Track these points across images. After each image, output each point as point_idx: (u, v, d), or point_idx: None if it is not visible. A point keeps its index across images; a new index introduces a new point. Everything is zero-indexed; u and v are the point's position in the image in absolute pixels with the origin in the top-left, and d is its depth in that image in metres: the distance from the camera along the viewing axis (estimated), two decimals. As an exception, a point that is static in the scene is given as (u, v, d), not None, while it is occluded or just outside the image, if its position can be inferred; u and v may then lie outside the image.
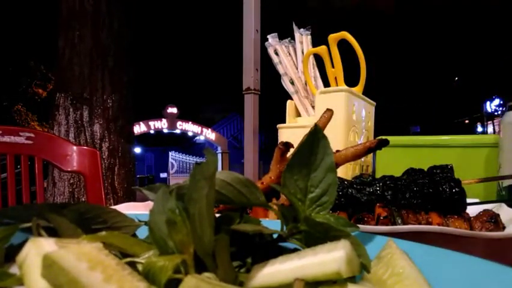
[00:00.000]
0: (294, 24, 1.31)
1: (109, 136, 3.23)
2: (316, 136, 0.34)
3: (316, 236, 0.29)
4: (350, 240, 0.26)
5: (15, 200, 1.23)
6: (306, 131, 0.34)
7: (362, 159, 1.14)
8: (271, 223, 0.35)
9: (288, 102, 1.26)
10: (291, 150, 0.68)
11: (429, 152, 1.17)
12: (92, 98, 3.19)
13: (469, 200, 0.62)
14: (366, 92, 1.17)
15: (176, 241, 0.25)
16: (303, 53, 1.28)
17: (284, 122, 1.23)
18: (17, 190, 1.25)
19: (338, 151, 0.64)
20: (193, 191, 0.25)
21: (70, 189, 3.10)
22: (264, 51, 1.40)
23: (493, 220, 0.57)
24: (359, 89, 1.14)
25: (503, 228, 0.57)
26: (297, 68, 1.29)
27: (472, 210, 0.63)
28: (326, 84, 1.21)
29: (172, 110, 16.25)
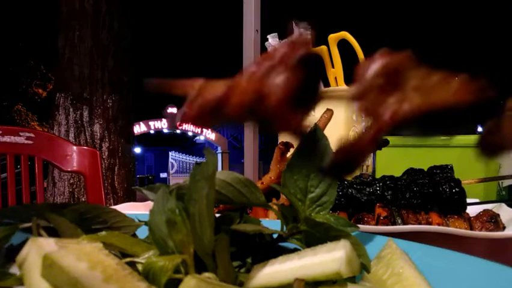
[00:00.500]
0: (294, 24, 1.31)
1: (109, 136, 3.22)
2: (316, 136, 0.34)
3: (316, 236, 0.29)
4: (350, 240, 0.26)
5: (15, 200, 1.23)
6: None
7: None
8: (271, 223, 0.35)
9: (288, 102, 1.25)
10: (291, 150, 0.68)
11: (429, 152, 1.17)
12: (92, 98, 3.19)
13: (469, 200, 0.62)
14: (366, 92, 1.17)
15: (176, 241, 0.25)
16: (303, 53, 1.28)
17: (284, 122, 1.23)
18: (17, 190, 1.25)
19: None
20: (193, 191, 0.25)
21: (70, 189, 3.10)
22: (264, 51, 1.40)
23: (493, 220, 0.57)
24: (359, 89, 1.14)
25: (503, 228, 0.57)
26: (297, 68, 1.28)
27: (472, 210, 0.63)
28: (326, 84, 1.21)
29: (172, 110, 16.25)
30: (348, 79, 1.13)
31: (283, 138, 1.17)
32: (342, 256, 0.23)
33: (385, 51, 0.22)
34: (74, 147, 1.35)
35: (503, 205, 0.65)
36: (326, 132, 0.38)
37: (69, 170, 1.34)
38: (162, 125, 16.12)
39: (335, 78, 1.15)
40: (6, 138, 1.23)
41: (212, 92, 0.20)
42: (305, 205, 0.33)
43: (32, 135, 1.28)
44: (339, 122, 1.02)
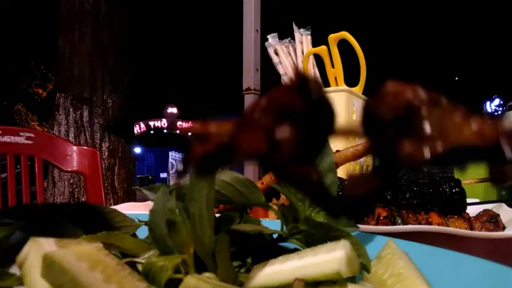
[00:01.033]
0: (294, 24, 1.31)
1: (109, 136, 3.23)
2: (316, 136, 0.33)
3: (316, 236, 0.29)
4: (350, 240, 0.26)
5: (15, 200, 1.23)
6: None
7: (362, 159, 1.14)
8: (271, 223, 0.35)
9: (288, 102, 1.25)
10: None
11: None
12: (92, 98, 3.19)
13: (469, 200, 0.62)
14: (366, 92, 1.17)
15: (176, 241, 0.25)
16: (303, 53, 1.28)
17: (284, 122, 1.23)
18: (17, 190, 1.25)
19: (338, 151, 0.64)
20: (193, 191, 0.25)
21: (70, 189, 3.10)
22: (264, 51, 1.40)
23: (493, 220, 0.57)
24: (359, 89, 1.14)
25: (503, 228, 0.57)
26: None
27: (472, 210, 0.63)
28: (326, 84, 1.21)
29: (172, 110, 16.26)
30: (348, 79, 1.13)
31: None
32: (342, 256, 0.23)
33: (393, 86, 0.20)
34: (74, 147, 1.36)
35: (503, 205, 0.65)
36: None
37: (69, 170, 1.34)
38: (162, 125, 16.13)
39: (335, 78, 1.15)
40: (6, 138, 1.23)
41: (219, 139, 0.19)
42: (305, 205, 0.33)
43: (32, 135, 1.28)
44: (339, 122, 1.01)
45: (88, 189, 1.35)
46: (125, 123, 3.33)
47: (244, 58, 1.86)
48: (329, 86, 1.16)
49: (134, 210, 0.71)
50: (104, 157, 3.18)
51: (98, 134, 3.18)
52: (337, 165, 0.64)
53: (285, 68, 1.28)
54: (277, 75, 1.29)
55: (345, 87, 1.07)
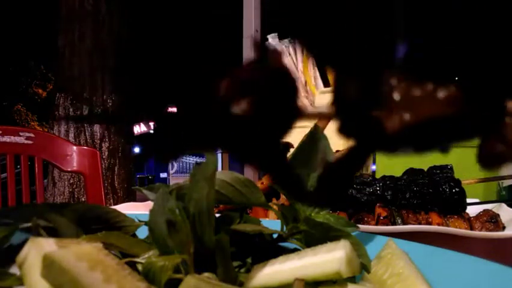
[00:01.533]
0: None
1: (109, 136, 3.23)
2: (316, 136, 0.34)
3: (316, 236, 0.29)
4: (350, 240, 0.26)
5: (15, 200, 1.23)
6: (306, 131, 0.34)
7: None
8: (271, 223, 0.35)
9: (288, 102, 1.26)
10: (291, 150, 0.68)
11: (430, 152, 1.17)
12: (92, 98, 3.19)
13: (469, 200, 0.62)
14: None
15: (176, 241, 0.25)
16: (303, 53, 1.28)
17: (284, 122, 1.23)
18: (17, 190, 1.25)
19: (337, 151, 0.64)
20: (193, 191, 0.25)
21: (70, 189, 3.10)
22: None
23: (493, 220, 0.57)
24: (359, 89, 1.14)
25: (503, 228, 0.57)
26: (297, 68, 1.29)
27: (472, 210, 0.63)
28: (326, 84, 1.21)
29: (172, 110, 16.21)
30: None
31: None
32: (342, 256, 0.23)
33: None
34: (74, 147, 1.35)
35: (503, 205, 0.65)
36: (326, 132, 0.38)
37: (69, 170, 1.34)
38: (162, 125, 16.11)
39: (335, 78, 1.15)
40: (6, 138, 1.23)
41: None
42: (305, 205, 0.33)
43: (32, 135, 1.28)
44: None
45: (88, 189, 1.35)
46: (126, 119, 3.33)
47: (244, 58, 1.86)
48: (329, 86, 1.16)
49: (134, 210, 0.71)
50: (104, 157, 3.18)
51: (98, 134, 3.18)
52: (337, 165, 0.64)
53: (285, 68, 1.27)
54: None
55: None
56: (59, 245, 0.23)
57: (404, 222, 0.57)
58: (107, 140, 3.22)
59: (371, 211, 0.62)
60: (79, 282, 0.20)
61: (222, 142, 0.19)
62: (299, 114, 0.20)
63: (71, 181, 3.10)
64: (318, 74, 1.28)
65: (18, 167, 1.29)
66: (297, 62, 1.29)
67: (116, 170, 3.25)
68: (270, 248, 0.31)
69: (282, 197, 0.63)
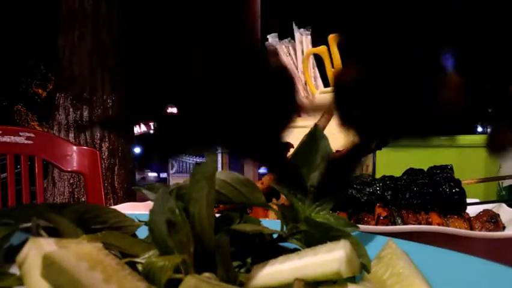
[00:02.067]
0: (294, 24, 1.31)
1: (109, 136, 3.23)
2: (316, 136, 0.34)
3: (316, 236, 0.29)
4: (350, 240, 0.26)
5: (15, 200, 1.23)
6: (306, 131, 0.34)
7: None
8: (271, 223, 0.35)
9: (288, 102, 1.25)
10: (291, 150, 0.68)
11: (429, 152, 1.17)
12: (92, 98, 3.19)
13: (469, 200, 0.62)
14: (366, 92, 1.17)
15: (176, 241, 0.25)
16: (303, 53, 1.28)
17: (284, 122, 1.23)
18: (17, 190, 1.25)
19: (337, 151, 0.64)
20: (193, 191, 0.25)
21: (70, 189, 3.10)
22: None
23: (493, 220, 0.57)
24: (359, 89, 1.14)
25: (503, 228, 0.57)
26: (297, 68, 1.29)
27: (472, 210, 0.63)
28: (326, 84, 1.21)
29: (172, 110, 16.24)
30: (348, 79, 1.13)
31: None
32: (342, 256, 0.23)
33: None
34: (74, 147, 1.36)
35: (503, 205, 0.65)
36: (326, 132, 0.38)
37: (69, 170, 1.34)
38: (162, 125, 16.13)
39: (335, 78, 1.15)
40: (6, 138, 1.23)
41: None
42: (305, 205, 0.33)
43: (32, 135, 1.28)
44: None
45: (88, 189, 1.35)
46: (125, 121, 3.32)
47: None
48: (329, 86, 1.16)
49: (134, 210, 0.71)
50: (104, 157, 3.18)
51: (98, 134, 3.18)
52: (337, 165, 0.64)
53: (285, 68, 1.27)
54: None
55: (345, 87, 1.07)
56: (59, 245, 0.23)
57: (404, 222, 0.57)
58: (107, 140, 3.22)
59: (371, 211, 0.62)
60: (79, 282, 0.20)
61: (222, 139, 0.19)
62: (298, 110, 0.21)
63: (71, 181, 3.10)
64: (318, 74, 1.28)
65: (18, 167, 1.29)
66: (297, 62, 1.29)
67: (116, 170, 3.25)
68: (270, 248, 0.31)
69: (282, 197, 0.63)
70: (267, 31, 1.34)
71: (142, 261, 0.25)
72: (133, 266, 0.25)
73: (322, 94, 1.07)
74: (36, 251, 0.22)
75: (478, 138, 1.14)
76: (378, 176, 0.70)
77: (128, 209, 0.71)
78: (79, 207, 0.30)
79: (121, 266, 0.22)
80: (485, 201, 0.70)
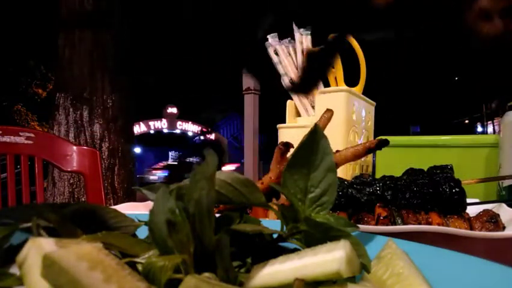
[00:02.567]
0: (294, 24, 1.31)
1: (109, 136, 3.23)
2: (316, 136, 0.34)
3: (316, 236, 0.29)
4: (350, 240, 0.26)
5: (15, 200, 1.23)
6: (306, 131, 0.34)
7: (362, 159, 1.14)
8: (271, 223, 0.35)
9: (288, 102, 1.26)
10: (291, 150, 0.68)
11: (429, 152, 1.17)
12: (92, 98, 3.19)
13: (469, 200, 0.62)
14: (366, 92, 1.17)
15: (176, 241, 0.25)
16: (303, 53, 1.28)
17: (284, 122, 1.23)
18: (17, 190, 1.25)
19: (337, 151, 0.64)
20: (193, 191, 0.25)
21: (70, 189, 3.10)
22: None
23: (493, 220, 0.57)
24: (359, 89, 1.14)
25: (503, 228, 0.57)
26: (297, 68, 1.29)
27: (472, 210, 0.63)
28: (326, 84, 1.21)
29: (172, 110, 16.27)
30: (348, 79, 1.13)
31: (283, 138, 1.17)
32: (342, 256, 0.23)
33: None
34: (74, 147, 1.36)
35: (503, 205, 0.65)
36: (326, 132, 0.38)
37: (69, 170, 1.34)
38: (162, 125, 16.14)
39: (335, 78, 1.15)
40: (6, 138, 1.23)
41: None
42: (305, 205, 0.33)
43: (32, 135, 1.28)
44: (339, 122, 1.02)
45: (88, 189, 1.35)
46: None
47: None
48: (328, 86, 1.16)
49: (134, 210, 0.71)
50: (104, 157, 3.19)
51: (98, 134, 3.18)
52: (337, 165, 0.64)
53: (285, 68, 1.27)
54: (277, 75, 1.29)
55: (345, 87, 1.07)
56: (59, 245, 0.23)
57: (404, 222, 0.57)
58: (107, 140, 3.22)
59: (371, 211, 0.62)
60: (79, 282, 0.20)
61: None
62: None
63: (71, 181, 3.10)
64: (318, 74, 1.28)
65: (18, 167, 1.29)
66: (297, 62, 1.29)
67: (116, 170, 3.25)
68: (270, 248, 0.31)
69: (282, 197, 0.63)
70: (267, 31, 1.34)
71: (142, 261, 0.25)
72: (133, 266, 0.25)
73: (322, 94, 1.07)
74: (36, 251, 0.22)
75: (478, 138, 1.14)
76: (378, 176, 0.70)
77: (128, 209, 0.71)
78: (79, 207, 0.30)
79: (121, 266, 0.22)
80: (485, 201, 0.70)
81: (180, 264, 0.24)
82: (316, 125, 0.34)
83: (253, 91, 1.81)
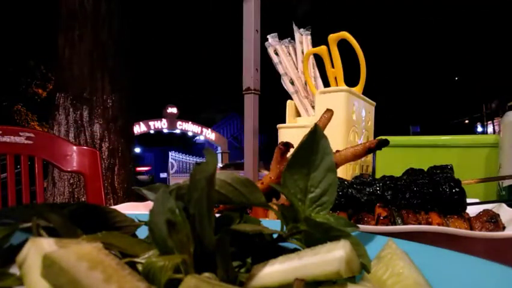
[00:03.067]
0: (294, 24, 1.31)
1: (109, 136, 3.23)
2: (316, 136, 0.33)
3: (316, 236, 0.29)
4: (350, 240, 0.26)
5: (15, 200, 1.23)
6: (306, 131, 0.34)
7: (362, 159, 1.14)
8: (271, 223, 0.35)
9: (288, 102, 1.26)
10: (291, 150, 0.68)
11: (429, 152, 1.17)
12: (92, 98, 3.19)
13: (469, 200, 0.62)
14: (366, 92, 1.17)
15: (176, 241, 0.25)
16: (303, 53, 1.28)
17: (284, 122, 1.23)
18: (17, 190, 1.25)
19: (337, 151, 0.64)
20: (193, 191, 0.25)
21: (70, 189, 3.10)
22: (264, 51, 1.40)
23: (493, 220, 0.57)
24: (359, 89, 1.14)
25: (503, 228, 0.57)
26: (297, 68, 1.29)
27: (472, 210, 0.63)
28: (326, 84, 1.21)
29: (172, 110, 16.27)
30: (348, 79, 1.13)
31: (283, 138, 1.17)
32: (342, 256, 0.23)
33: None
34: (74, 147, 1.36)
35: (503, 205, 0.65)
36: (326, 132, 0.38)
37: (69, 170, 1.34)
38: (162, 125, 16.14)
39: (335, 78, 1.15)
40: (6, 138, 1.23)
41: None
42: (305, 205, 0.33)
43: (32, 135, 1.28)
44: (339, 122, 1.02)
45: (88, 189, 1.35)
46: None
47: (244, 58, 1.86)
48: (329, 86, 1.16)
49: (134, 210, 0.71)
50: (104, 157, 3.19)
51: (98, 134, 3.18)
52: (337, 165, 0.64)
53: (285, 68, 1.27)
54: (277, 75, 1.29)
55: (345, 87, 1.07)
56: (59, 245, 0.23)
57: (404, 222, 0.57)
58: (107, 140, 3.22)
59: (371, 211, 0.62)
60: (79, 282, 0.20)
61: None
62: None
63: (71, 181, 3.10)
64: (318, 74, 1.28)
65: (18, 167, 1.29)
66: (297, 62, 1.29)
67: (116, 170, 3.25)
68: (270, 248, 0.31)
69: (282, 197, 0.63)
70: (267, 31, 1.34)
71: (142, 261, 0.25)
72: (133, 266, 0.25)
73: (322, 94, 1.07)
74: (36, 251, 0.22)
75: (478, 138, 1.14)
76: (378, 176, 0.70)
77: (128, 209, 0.72)
78: (79, 207, 0.30)
79: (121, 266, 0.22)
80: (485, 201, 0.70)
81: (180, 264, 0.24)
82: (316, 125, 0.34)
83: (253, 91, 1.81)
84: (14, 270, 0.26)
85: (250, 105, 1.81)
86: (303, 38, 1.30)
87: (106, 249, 0.23)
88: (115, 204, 0.91)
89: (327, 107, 0.71)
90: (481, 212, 0.59)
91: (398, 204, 0.61)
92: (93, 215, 0.30)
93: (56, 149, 1.32)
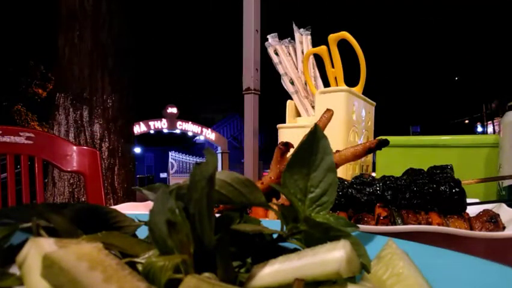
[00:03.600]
0: (294, 24, 1.31)
1: (109, 136, 3.23)
2: (316, 136, 0.34)
3: (316, 236, 0.29)
4: (350, 240, 0.26)
5: (15, 200, 1.23)
6: (306, 131, 0.34)
7: (362, 159, 1.14)
8: (271, 223, 0.35)
9: (288, 102, 1.26)
10: (291, 150, 0.68)
11: (429, 152, 1.17)
12: (92, 98, 3.19)
13: (469, 200, 0.62)
14: (366, 92, 1.17)
15: (176, 241, 0.25)
16: (303, 53, 1.28)
17: (284, 122, 1.23)
18: (17, 190, 1.25)
19: (338, 151, 0.64)
20: (193, 191, 0.25)
21: (70, 189, 3.10)
22: (264, 51, 1.40)
23: (493, 220, 0.57)
24: (359, 89, 1.14)
25: (503, 228, 0.57)
26: (297, 68, 1.29)
27: (472, 210, 0.63)
28: (326, 84, 1.21)
29: (172, 110, 16.26)
30: (348, 79, 1.13)
31: (283, 138, 1.17)
32: (342, 256, 0.23)
33: None
34: (74, 147, 1.36)
35: (503, 205, 0.65)
36: (326, 132, 0.38)
37: (69, 170, 1.34)
38: (162, 125, 16.13)
39: (335, 78, 1.15)
40: (6, 138, 1.23)
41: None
42: (305, 205, 0.33)
43: (32, 135, 1.28)
44: (339, 122, 1.02)
45: (88, 189, 1.35)
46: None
47: (244, 58, 1.86)
48: (329, 86, 1.16)
49: (134, 210, 0.71)
50: (104, 157, 3.19)
51: (98, 134, 3.18)
52: (337, 165, 0.64)
53: (285, 68, 1.27)
54: (277, 75, 1.29)
55: (345, 87, 1.07)
56: (59, 245, 0.23)
57: (404, 222, 0.57)
58: (107, 140, 3.22)
59: (371, 211, 0.62)
60: (79, 282, 0.20)
61: None
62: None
63: (71, 181, 3.10)
64: (318, 74, 1.28)
65: (18, 167, 1.29)
66: (297, 62, 1.29)
67: (116, 170, 3.25)
68: (270, 248, 0.31)
69: (282, 197, 0.63)
70: (267, 31, 1.34)
71: (142, 261, 0.25)
72: (133, 266, 0.25)
73: (322, 94, 1.07)
74: (36, 251, 0.22)
75: (478, 138, 1.14)
76: (378, 176, 0.70)
77: (128, 209, 0.72)
78: (79, 207, 0.30)
79: (121, 266, 0.22)
80: (485, 201, 0.70)
81: (180, 264, 0.24)
82: (316, 125, 0.34)
83: (253, 91, 1.81)
84: (14, 270, 0.26)
85: (250, 105, 1.81)
86: (303, 38, 1.30)
87: (106, 249, 0.23)
88: (115, 204, 0.91)
89: (327, 107, 0.71)
90: (481, 212, 0.59)
91: (398, 204, 0.61)
92: (93, 215, 0.30)
93: (56, 149, 1.32)
